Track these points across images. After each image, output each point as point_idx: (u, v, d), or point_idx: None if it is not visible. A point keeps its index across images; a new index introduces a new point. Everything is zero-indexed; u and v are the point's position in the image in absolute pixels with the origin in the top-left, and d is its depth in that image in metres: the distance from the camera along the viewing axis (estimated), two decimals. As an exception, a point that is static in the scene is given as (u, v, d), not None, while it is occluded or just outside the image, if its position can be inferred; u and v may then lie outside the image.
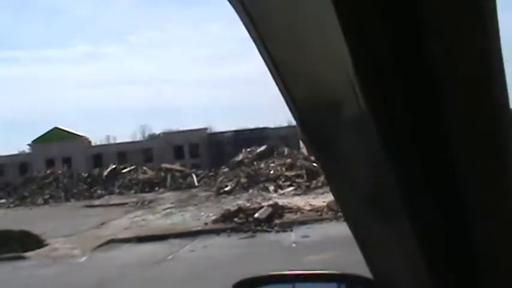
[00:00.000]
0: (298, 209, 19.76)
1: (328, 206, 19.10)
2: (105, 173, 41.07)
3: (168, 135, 60.33)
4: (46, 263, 15.42)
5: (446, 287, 0.82)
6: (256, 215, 18.56)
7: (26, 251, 16.99)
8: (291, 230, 17.08)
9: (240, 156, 37.49)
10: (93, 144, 63.29)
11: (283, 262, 11.95)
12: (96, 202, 33.47)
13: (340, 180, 0.94)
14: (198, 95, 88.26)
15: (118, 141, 68.46)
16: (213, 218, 20.00)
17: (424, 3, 0.61)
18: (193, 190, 33.73)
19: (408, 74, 0.64)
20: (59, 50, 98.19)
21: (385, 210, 0.85)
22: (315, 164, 30.99)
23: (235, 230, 17.80)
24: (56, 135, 58.15)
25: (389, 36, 0.63)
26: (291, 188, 27.50)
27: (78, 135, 59.93)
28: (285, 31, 0.77)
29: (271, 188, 27.99)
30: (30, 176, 44.19)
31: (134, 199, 31.92)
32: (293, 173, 29.96)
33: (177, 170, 40.60)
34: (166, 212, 24.28)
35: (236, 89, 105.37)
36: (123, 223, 22.15)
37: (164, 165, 42.06)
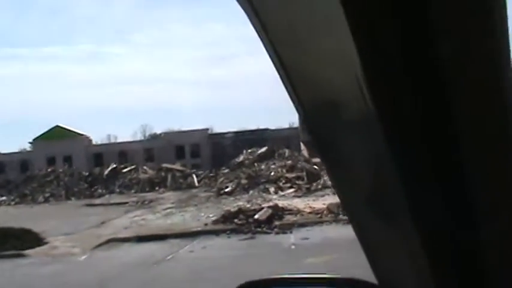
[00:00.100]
0: (298, 211, 19.75)
1: (328, 209, 19.09)
2: (106, 172, 41.07)
3: (169, 135, 60.33)
4: (46, 261, 15.42)
5: (451, 287, 0.82)
6: (256, 217, 18.56)
7: (26, 248, 16.98)
8: (291, 232, 17.07)
9: (241, 157, 37.49)
10: (94, 143, 63.31)
11: (283, 264, 11.95)
12: (97, 201, 33.45)
13: (345, 181, 0.95)
14: (200, 95, 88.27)
15: (119, 140, 68.54)
16: (213, 218, 19.99)
17: (432, 3, 0.60)
18: (194, 190, 33.71)
19: (417, 74, 0.64)
20: (61, 48, 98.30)
21: (390, 211, 0.86)
22: (315, 166, 31.00)
23: (235, 231, 17.79)
24: (57, 134, 58.16)
25: (398, 36, 0.63)
26: (291, 190, 27.48)
27: (79, 133, 59.93)
28: (293, 32, 0.77)
29: (272, 189, 27.97)
30: (31, 174, 44.21)
31: (134, 198, 31.90)
32: (293, 175, 29.95)
33: (178, 170, 40.60)
34: (167, 212, 24.26)
35: (238, 89, 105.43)
36: (123, 222, 22.15)
37: (165, 165, 42.07)
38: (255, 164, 34.00)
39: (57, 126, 59.66)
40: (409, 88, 0.66)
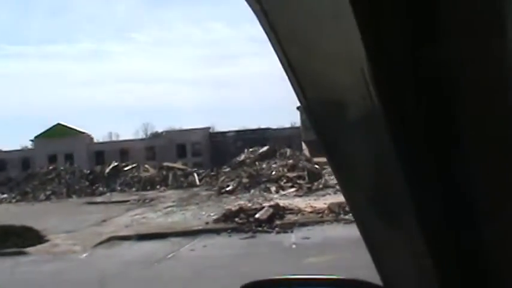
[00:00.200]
0: (299, 211, 19.74)
1: (329, 208, 19.09)
2: (107, 170, 41.06)
3: (170, 134, 60.36)
4: (47, 259, 15.44)
5: (454, 287, 0.82)
6: (257, 216, 18.55)
7: (27, 246, 17.00)
8: (292, 231, 17.07)
9: (242, 156, 37.47)
10: (95, 141, 63.35)
11: (283, 263, 11.94)
12: (98, 199, 33.45)
13: (350, 181, 0.95)
14: (201, 94, 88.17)
15: (120, 138, 68.60)
16: (214, 217, 19.99)
17: (441, 3, 0.61)
18: (195, 189, 33.70)
19: (423, 74, 0.65)
20: (63, 46, 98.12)
21: (394, 211, 0.86)
22: (316, 166, 30.99)
23: (236, 230, 17.78)
24: (58, 131, 58.20)
25: (406, 36, 0.63)
26: (293, 189, 27.46)
27: (80, 131, 59.94)
28: (302, 33, 0.77)
29: (273, 188, 27.96)
30: (33, 171, 44.21)
31: (135, 197, 31.89)
32: (295, 174, 29.95)
33: (179, 169, 40.60)
34: (168, 211, 24.26)
35: (239, 88, 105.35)
36: (124, 221, 22.15)
37: (166, 163, 42.06)
38: (256, 163, 33.98)
39: (59, 124, 59.69)
40: (415, 88, 0.66)
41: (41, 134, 59.90)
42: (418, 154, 0.71)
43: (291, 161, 32.72)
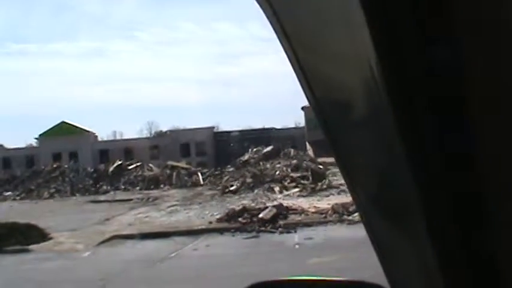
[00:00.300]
0: (303, 211, 19.74)
1: (333, 209, 19.08)
2: (111, 168, 41.13)
3: (174, 133, 60.50)
4: (50, 257, 15.48)
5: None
6: (260, 215, 18.56)
7: (30, 244, 17.06)
8: (295, 232, 17.07)
9: (246, 156, 37.47)
10: (99, 139, 63.53)
11: (286, 263, 11.94)
12: (102, 197, 33.53)
13: (358, 181, 0.95)
14: (206, 93, 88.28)
15: (125, 137, 68.76)
16: (218, 217, 20.01)
17: (453, 2, 0.60)
18: (199, 188, 33.72)
19: (434, 73, 0.64)
20: (68, 45, 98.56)
21: (402, 212, 0.85)
22: (320, 166, 30.99)
23: (239, 229, 17.79)
24: (63, 130, 58.43)
25: (417, 35, 0.62)
26: (296, 190, 27.44)
27: (85, 130, 60.16)
28: (312, 33, 0.78)
29: (277, 188, 27.94)
30: (37, 169, 44.34)
31: (139, 196, 31.97)
32: (299, 175, 29.92)
33: (183, 168, 40.63)
34: (171, 210, 24.29)
35: (244, 88, 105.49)
36: (127, 219, 22.19)
37: (170, 162, 42.10)
38: (260, 163, 33.97)
39: (63, 122, 59.93)
40: (426, 88, 0.65)
41: (45, 132, 60.14)
42: (428, 154, 0.70)
43: (295, 161, 32.69)
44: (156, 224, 20.54)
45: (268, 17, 0.78)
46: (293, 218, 18.87)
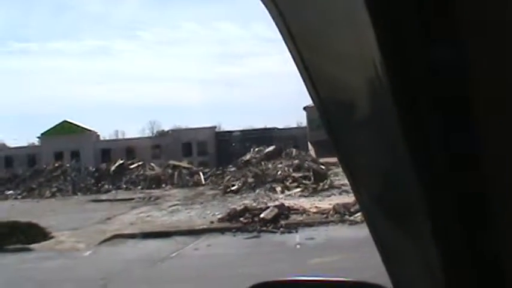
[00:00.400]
0: (304, 211, 19.73)
1: (334, 209, 19.07)
2: (113, 168, 41.16)
3: (176, 132, 60.51)
4: (51, 256, 15.48)
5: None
6: (262, 215, 18.55)
7: (31, 243, 17.08)
8: (296, 232, 17.06)
9: (248, 156, 37.47)
10: (101, 138, 63.57)
11: (287, 263, 11.93)
12: (103, 197, 33.56)
13: (361, 181, 0.95)
14: (208, 93, 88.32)
15: (126, 136, 68.81)
16: (219, 216, 20.01)
17: (456, 3, 0.60)
18: (200, 188, 33.75)
19: (439, 75, 0.64)
20: (70, 44, 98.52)
21: (406, 212, 0.85)
22: (322, 166, 30.99)
23: (240, 229, 17.79)
24: (65, 129, 58.48)
25: (422, 36, 0.62)
26: (298, 190, 27.44)
27: (87, 129, 60.19)
28: (317, 34, 0.79)
29: (278, 188, 27.94)
30: (39, 168, 44.40)
31: (141, 195, 32.00)
32: (300, 175, 29.92)
33: (185, 168, 40.65)
34: (173, 209, 24.30)
35: (246, 88, 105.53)
36: (129, 218, 22.21)
37: (172, 162, 42.13)
38: (262, 163, 33.97)
39: (65, 121, 59.97)
40: (430, 89, 0.65)
41: (47, 131, 60.18)
42: (432, 155, 0.70)
43: (296, 161, 32.69)
44: (158, 223, 20.55)
45: (273, 18, 0.78)
46: (294, 218, 18.86)
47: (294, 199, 23.71)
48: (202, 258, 14.28)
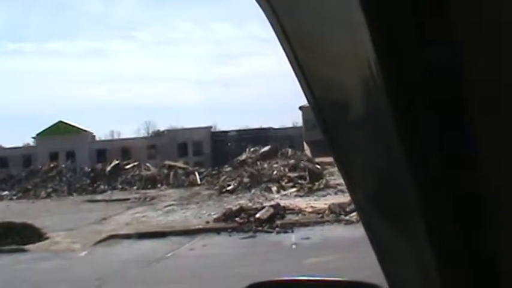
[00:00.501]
0: (300, 211, 19.74)
1: (330, 209, 19.09)
2: (108, 168, 41.08)
3: (172, 133, 60.43)
4: (46, 257, 15.45)
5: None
6: (257, 215, 18.56)
7: (26, 243, 17.03)
8: (292, 231, 17.07)
9: (244, 156, 37.45)
10: (97, 139, 63.43)
11: (283, 263, 11.93)
12: (99, 197, 33.49)
13: (357, 181, 0.95)
14: (204, 93, 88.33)
15: (122, 136, 68.65)
16: (215, 216, 20.00)
17: (452, 4, 0.60)
18: (196, 188, 33.71)
19: (433, 75, 0.64)
20: (66, 44, 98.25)
21: (401, 212, 0.85)
22: (318, 166, 31.00)
23: (236, 229, 17.79)
24: (60, 129, 58.31)
25: (417, 35, 0.62)
26: (294, 189, 27.44)
27: (82, 129, 60.04)
28: (312, 33, 0.78)
29: (274, 188, 27.94)
30: (34, 169, 44.26)
31: (136, 195, 31.96)
32: (296, 174, 29.93)
33: (180, 168, 40.60)
34: (168, 209, 24.28)
35: (242, 88, 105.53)
36: (124, 219, 22.18)
37: (167, 162, 42.08)
38: (258, 163, 33.97)
39: (61, 121, 59.80)
40: (425, 89, 0.65)
41: (43, 131, 60.00)
42: (427, 155, 0.70)
43: (292, 161, 32.71)
44: (153, 223, 20.53)
45: (267, 17, 0.78)
46: (290, 217, 18.87)
47: (290, 199, 23.72)
48: (198, 258, 14.27)
